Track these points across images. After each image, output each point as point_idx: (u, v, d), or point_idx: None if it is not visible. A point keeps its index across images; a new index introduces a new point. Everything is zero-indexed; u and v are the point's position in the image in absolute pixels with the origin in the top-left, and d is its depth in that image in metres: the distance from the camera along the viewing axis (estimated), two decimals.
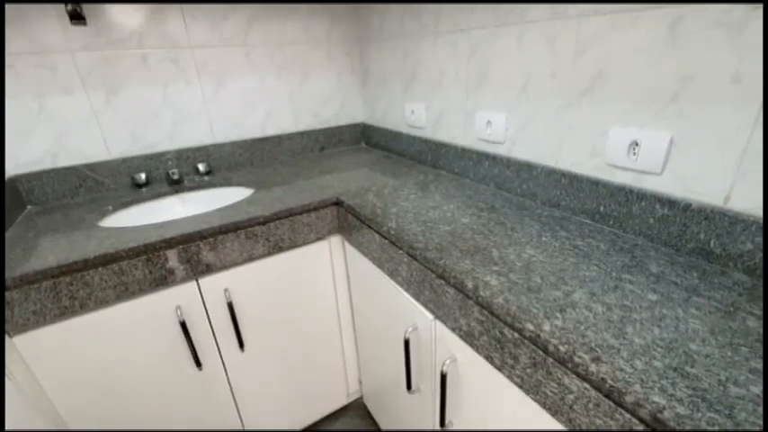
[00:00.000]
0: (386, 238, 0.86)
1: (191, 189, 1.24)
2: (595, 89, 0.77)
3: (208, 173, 1.31)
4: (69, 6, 1.01)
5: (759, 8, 0.54)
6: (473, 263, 0.68)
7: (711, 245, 0.64)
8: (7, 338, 0.77)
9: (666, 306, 0.55)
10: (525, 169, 0.95)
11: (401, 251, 0.81)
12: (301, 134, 1.52)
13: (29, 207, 1.11)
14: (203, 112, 1.30)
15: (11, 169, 1.08)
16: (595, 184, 0.80)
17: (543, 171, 0.90)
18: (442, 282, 0.69)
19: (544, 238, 0.76)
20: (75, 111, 1.11)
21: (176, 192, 1.22)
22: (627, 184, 0.75)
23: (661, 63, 0.66)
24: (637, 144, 0.72)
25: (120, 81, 1.14)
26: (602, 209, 0.80)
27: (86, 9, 1.05)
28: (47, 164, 1.11)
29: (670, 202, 0.68)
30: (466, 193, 1.04)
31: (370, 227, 0.92)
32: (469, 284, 0.62)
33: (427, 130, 1.29)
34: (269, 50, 1.35)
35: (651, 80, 0.68)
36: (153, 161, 1.25)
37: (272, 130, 1.46)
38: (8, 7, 0.97)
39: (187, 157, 1.30)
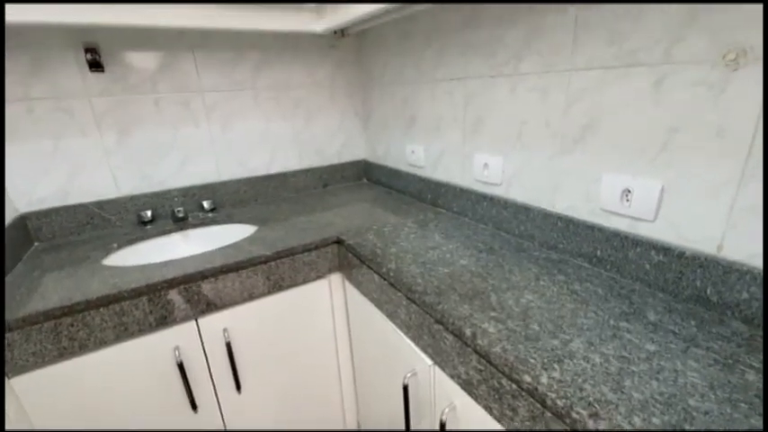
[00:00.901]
0: (385, 280, 0.87)
1: (195, 226, 1.26)
2: (587, 138, 0.80)
3: (212, 210, 1.34)
4: (89, 55, 1.07)
5: (740, 69, 0.57)
6: (471, 308, 0.69)
7: (708, 292, 0.65)
8: (6, 380, 0.77)
9: (665, 357, 0.55)
10: (522, 211, 0.97)
11: (400, 293, 0.81)
12: (305, 171, 1.56)
13: (36, 244, 1.13)
14: (211, 151, 1.35)
15: (22, 207, 1.11)
16: (591, 228, 0.81)
17: (540, 214, 0.92)
18: (441, 327, 0.69)
19: (542, 282, 0.77)
20: (88, 151, 1.15)
21: (181, 229, 1.24)
22: (621, 229, 0.77)
23: (648, 116, 0.69)
24: (629, 191, 0.74)
25: (132, 123, 1.20)
26: (598, 253, 0.81)
27: (105, 57, 1.11)
28: (57, 202, 1.15)
29: (664, 249, 0.69)
30: (465, 232, 1.05)
31: (369, 267, 0.93)
32: (468, 332, 0.63)
33: (427, 169, 1.33)
34: (275, 94, 1.41)
35: (639, 131, 0.71)
36: (160, 198, 1.28)
37: (276, 167, 1.50)
38: (31, 55, 1.03)
39: (193, 194, 1.33)
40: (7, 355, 0.75)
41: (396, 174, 1.48)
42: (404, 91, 1.33)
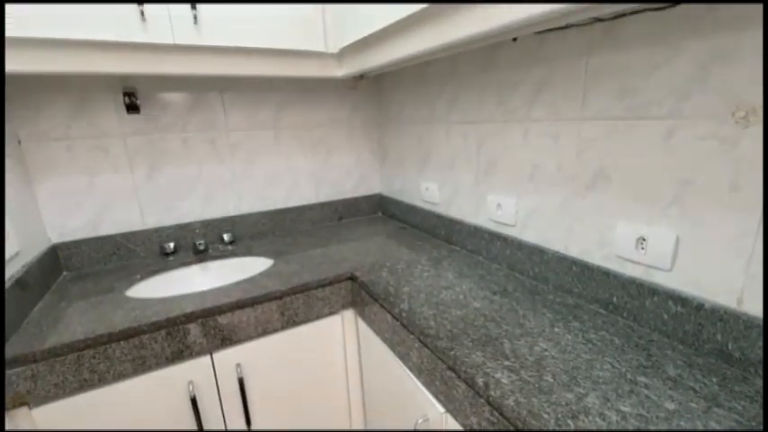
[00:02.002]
0: (398, 320, 0.87)
1: (214, 258, 1.30)
2: (599, 184, 0.81)
3: (231, 242, 1.38)
4: (127, 99, 1.16)
5: (751, 126, 0.58)
6: (484, 355, 0.68)
7: (730, 347, 0.63)
8: (27, 410, 0.79)
9: (685, 417, 0.53)
10: (536, 253, 0.97)
11: (412, 336, 0.81)
12: (321, 205, 1.60)
13: (65, 273, 1.18)
14: (232, 186, 1.40)
15: (55, 238, 1.17)
16: (606, 274, 0.81)
17: (554, 257, 0.92)
18: (453, 374, 0.69)
19: (557, 329, 0.76)
20: (119, 186, 1.22)
21: (201, 261, 1.28)
22: (637, 277, 0.76)
23: (660, 167, 0.70)
24: (644, 239, 0.74)
25: (162, 160, 1.27)
26: (615, 300, 0.80)
27: (141, 100, 1.20)
28: (87, 233, 1.21)
29: (682, 300, 0.68)
30: (478, 272, 1.05)
31: (382, 306, 0.94)
32: (480, 381, 0.62)
33: (441, 206, 1.35)
34: (296, 132, 1.48)
35: (651, 181, 0.71)
36: (182, 231, 1.33)
37: (294, 201, 1.55)
38: (74, 98, 1.12)
39: (214, 227, 1.38)
40: (30, 385, 0.78)
41: (410, 209, 1.51)
42: (419, 130, 1.38)
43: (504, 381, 0.61)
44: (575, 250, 0.89)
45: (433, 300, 0.90)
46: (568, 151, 0.86)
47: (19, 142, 1.08)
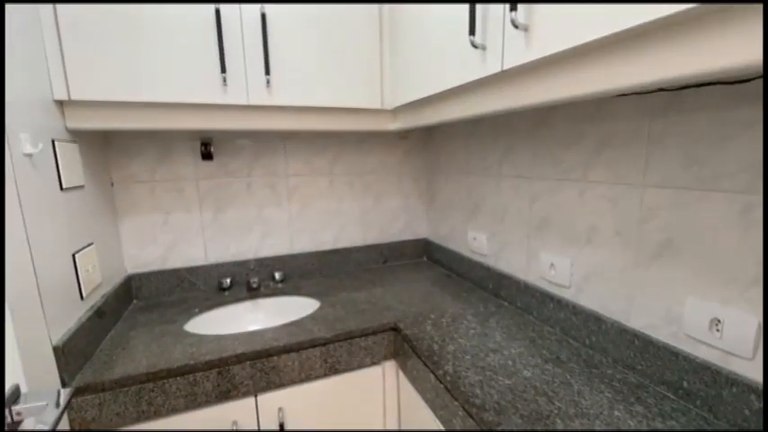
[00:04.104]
0: (441, 383, 0.84)
1: (266, 296, 1.36)
2: (665, 255, 0.76)
3: (282, 281, 1.45)
4: (204, 148, 1.30)
5: None
6: None
7: None
8: None
9: None
10: (593, 320, 0.91)
11: (456, 402, 0.78)
12: (368, 247, 1.64)
13: (135, 302, 1.29)
14: (287, 227, 1.49)
15: (130, 269, 1.30)
16: (675, 354, 0.74)
17: (614, 326, 0.86)
18: None
19: (617, 413, 0.70)
20: (189, 224, 1.35)
21: (253, 297, 1.35)
22: (712, 362, 0.69)
23: (735, 244, 0.64)
24: (719, 321, 0.67)
25: (227, 202, 1.38)
26: (685, 384, 0.72)
27: (215, 149, 1.33)
28: (157, 266, 1.33)
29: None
30: (529, 334, 1.00)
31: (425, 364, 0.92)
32: None
33: (489, 258, 1.32)
34: (349, 178, 1.55)
35: (727, 258, 0.66)
36: (238, 267, 1.42)
37: (342, 243, 1.60)
38: (160, 148, 1.27)
39: (267, 265, 1.46)
40: (96, 413, 0.84)
41: (457, 257, 1.49)
42: (469, 180, 1.39)
43: None
44: (637, 323, 0.82)
45: (480, 363, 0.87)
46: (629, 217, 0.82)
47: (112, 184, 1.24)
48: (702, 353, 0.70)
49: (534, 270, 1.11)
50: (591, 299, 0.93)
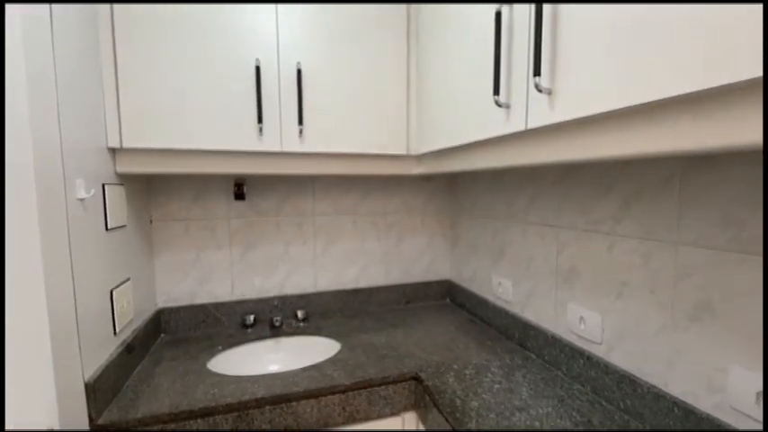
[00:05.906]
0: None
1: (288, 335, 1.37)
2: (704, 318, 0.72)
3: (304, 319, 1.45)
4: (237, 189, 1.36)
5: None
6: None
7: None
8: None
9: None
10: (627, 382, 0.86)
11: None
12: (390, 287, 1.63)
13: (162, 335, 1.33)
14: (311, 266, 1.51)
15: (161, 303, 1.34)
16: (718, 426, 0.68)
17: (650, 391, 0.81)
18: None
19: None
20: (219, 261, 1.39)
21: (275, 336, 1.35)
22: None
23: None
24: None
25: (256, 240, 1.43)
26: None
27: (248, 189, 1.40)
28: (186, 301, 1.37)
29: None
30: (557, 392, 0.95)
31: (447, 420, 0.88)
32: None
33: (515, 305, 1.28)
34: (373, 219, 1.58)
35: None
36: (262, 304, 1.44)
37: (364, 282, 1.60)
38: (196, 187, 1.35)
39: (290, 302, 1.48)
40: None
41: (481, 302, 1.46)
42: (494, 224, 1.38)
43: None
44: (676, 389, 0.77)
45: (505, 422, 0.83)
46: (663, 275, 0.79)
47: (150, 222, 1.31)
48: (750, 427, 0.65)
49: (562, 322, 1.07)
50: (624, 358, 0.89)
